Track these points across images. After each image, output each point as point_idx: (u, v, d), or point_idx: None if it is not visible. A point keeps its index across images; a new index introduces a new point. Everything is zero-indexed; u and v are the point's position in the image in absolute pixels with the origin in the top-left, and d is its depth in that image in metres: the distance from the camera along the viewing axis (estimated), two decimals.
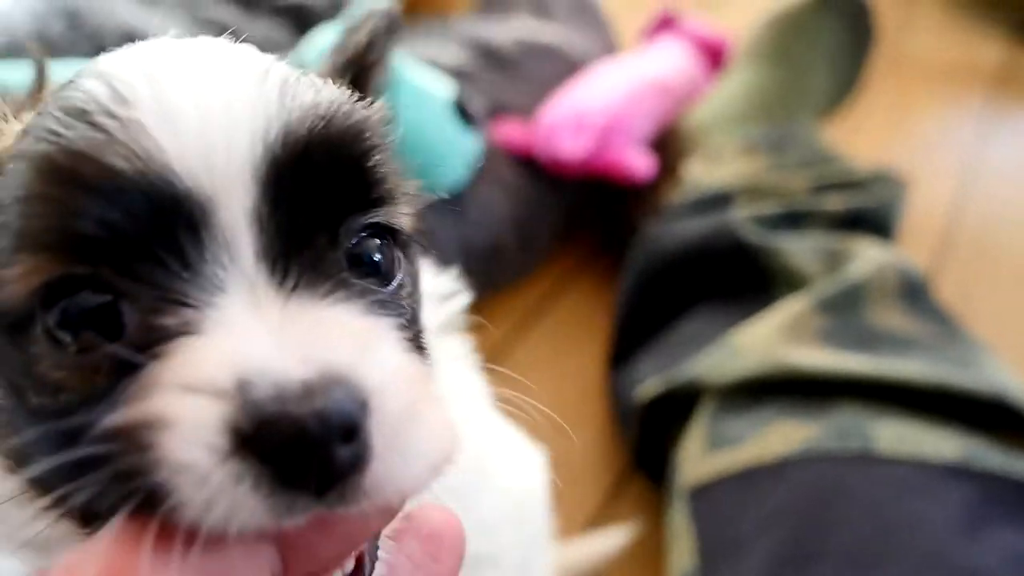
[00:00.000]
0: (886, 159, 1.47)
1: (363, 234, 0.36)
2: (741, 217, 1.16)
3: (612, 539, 0.99)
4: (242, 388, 0.27)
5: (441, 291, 0.53)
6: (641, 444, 1.09)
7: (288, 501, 0.28)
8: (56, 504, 0.32)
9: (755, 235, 1.13)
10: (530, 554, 0.62)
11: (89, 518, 0.32)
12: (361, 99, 0.38)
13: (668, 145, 1.47)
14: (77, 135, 0.31)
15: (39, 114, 0.34)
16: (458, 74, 1.43)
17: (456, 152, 1.28)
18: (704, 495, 0.91)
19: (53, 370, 0.32)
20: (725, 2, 2.18)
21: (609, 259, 1.51)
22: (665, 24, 1.71)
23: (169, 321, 0.30)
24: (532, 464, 0.63)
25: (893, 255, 1.09)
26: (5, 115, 0.38)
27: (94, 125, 0.31)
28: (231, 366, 0.28)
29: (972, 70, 2.14)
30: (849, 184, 1.23)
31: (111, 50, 0.37)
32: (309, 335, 0.29)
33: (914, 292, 1.05)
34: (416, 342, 0.38)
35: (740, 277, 1.12)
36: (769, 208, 1.19)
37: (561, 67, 1.58)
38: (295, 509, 0.28)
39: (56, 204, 0.30)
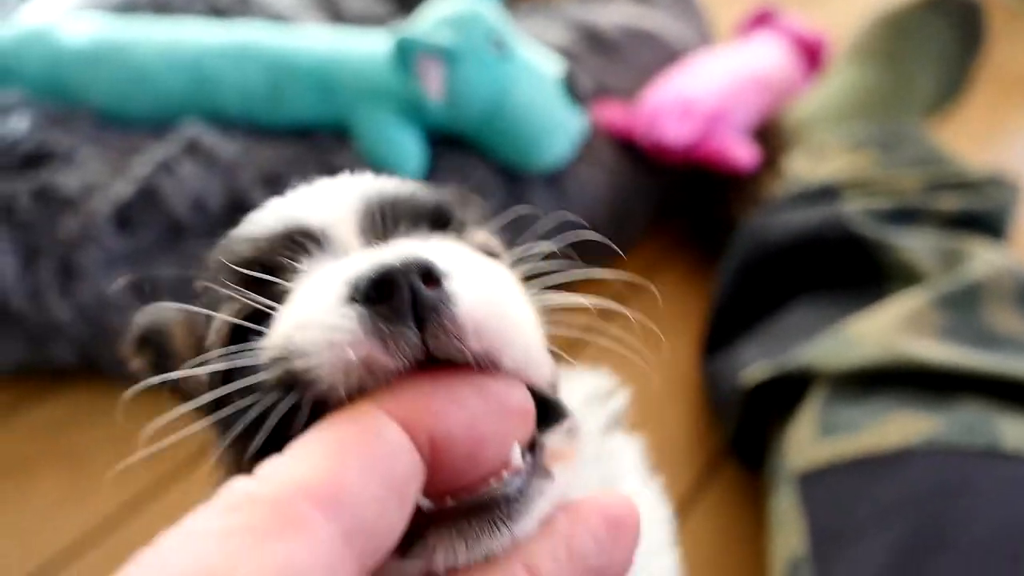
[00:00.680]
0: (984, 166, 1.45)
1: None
2: (853, 209, 1.15)
3: None
4: (346, 277, 0.35)
5: (598, 390, 0.58)
6: (740, 429, 1.08)
7: (395, 332, 0.32)
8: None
9: (868, 228, 1.11)
10: None
11: None
12: None
13: (768, 140, 1.46)
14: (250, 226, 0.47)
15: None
16: (562, 54, 1.43)
17: (562, 129, 1.28)
18: (815, 481, 0.90)
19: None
20: (825, 0, 2.16)
21: (699, 249, 1.50)
22: (762, 19, 1.70)
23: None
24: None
25: (1009, 259, 1.07)
26: None
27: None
28: (339, 277, 0.35)
29: None
30: (962, 185, 1.20)
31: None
32: (394, 248, 0.37)
33: None
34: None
35: (851, 270, 1.11)
36: (880, 203, 1.17)
37: (660, 54, 1.58)
38: (403, 339, 0.33)
39: (233, 259, 0.43)
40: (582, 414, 0.53)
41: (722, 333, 1.21)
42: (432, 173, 1.25)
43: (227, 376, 0.39)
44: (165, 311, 0.52)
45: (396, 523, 0.29)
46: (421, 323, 0.33)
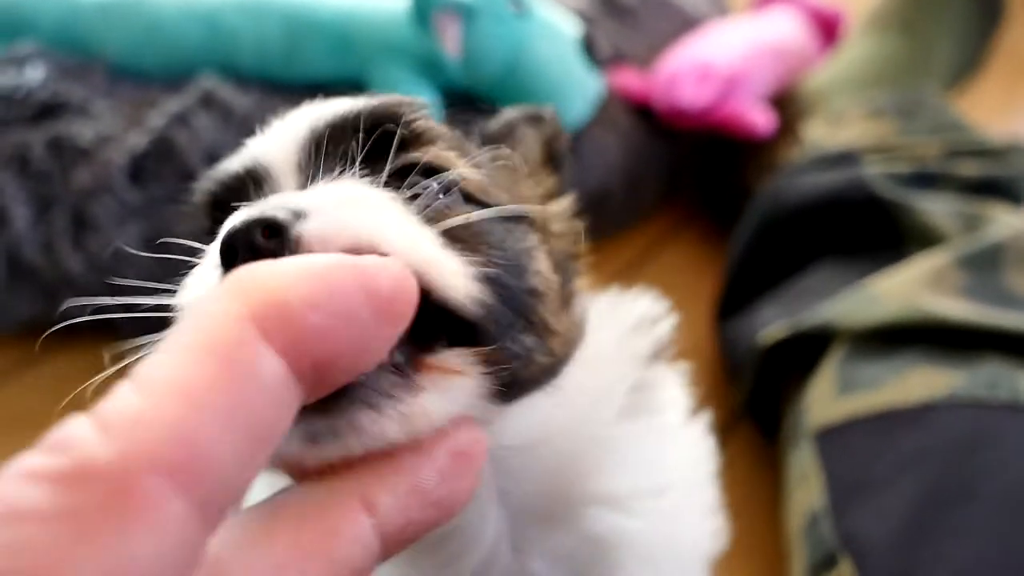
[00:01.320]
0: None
1: (410, 172, 0.42)
2: (874, 172, 1.14)
3: None
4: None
5: (645, 316, 0.55)
6: (754, 391, 1.08)
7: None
8: None
9: (889, 191, 1.11)
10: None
11: None
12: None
13: (784, 108, 1.45)
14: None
15: None
16: (579, 18, 1.42)
17: (580, 90, 1.27)
18: (834, 436, 0.90)
19: None
20: None
21: (714, 217, 1.50)
22: None
23: None
24: (713, 507, 0.61)
25: None
26: None
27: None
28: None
29: None
30: (982, 152, 1.20)
31: None
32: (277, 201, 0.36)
33: None
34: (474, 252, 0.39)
35: (871, 232, 1.10)
36: (900, 168, 1.16)
37: (677, 22, 1.57)
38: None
39: (200, 204, 0.47)
40: (625, 340, 0.52)
41: (738, 297, 1.20)
42: None
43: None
44: None
45: (254, 474, 0.25)
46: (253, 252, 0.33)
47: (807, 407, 0.95)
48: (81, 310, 1.24)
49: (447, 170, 0.42)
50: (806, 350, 1.00)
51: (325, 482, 0.31)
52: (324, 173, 0.40)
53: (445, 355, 0.37)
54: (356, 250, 0.32)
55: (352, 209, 0.35)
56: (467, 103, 1.27)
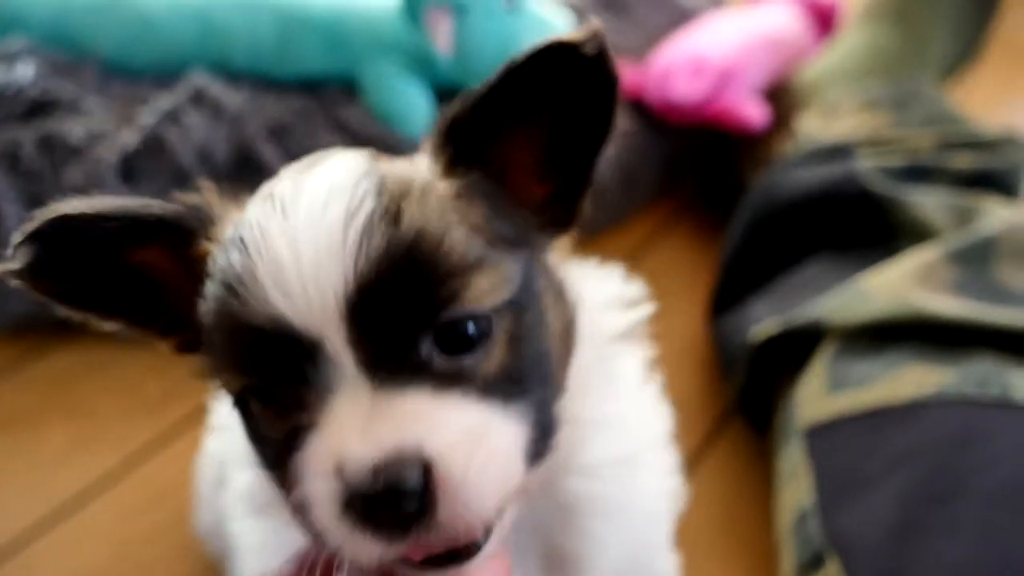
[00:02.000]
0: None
1: (453, 321, 0.44)
2: (866, 166, 1.14)
3: None
4: (339, 472, 0.41)
5: (622, 296, 0.59)
6: (746, 388, 1.08)
7: (387, 539, 0.41)
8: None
9: (881, 185, 1.10)
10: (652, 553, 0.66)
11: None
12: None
13: (779, 100, 1.45)
14: (231, 303, 0.44)
15: (215, 259, 0.47)
16: (571, 11, 1.41)
17: None
18: (824, 434, 0.89)
19: (266, 425, 0.47)
20: None
21: (709, 211, 1.49)
22: None
23: (303, 418, 0.44)
24: (671, 469, 0.66)
25: (1023, 216, 1.06)
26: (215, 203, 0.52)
27: (238, 296, 0.44)
28: (332, 456, 0.41)
29: None
30: (976, 144, 1.19)
31: None
32: (385, 422, 0.41)
33: None
34: (504, 388, 0.46)
35: (863, 227, 1.10)
36: (893, 161, 1.16)
37: (672, 15, 1.57)
38: (395, 542, 0.41)
39: (229, 346, 0.45)
40: (597, 314, 0.56)
41: (731, 292, 1.20)
42: None
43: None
44: None
45: None
46: (404, 529, 0.41)
47: (798, 404, 0.95)
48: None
49: (484, 310, 0.45)
50: (798, 346, 1.00)
51: None
52: (380, 345, 0.43)
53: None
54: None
55: (465, 461, 0.42)
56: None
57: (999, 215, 1.04)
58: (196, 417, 1.12)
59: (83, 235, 0.47)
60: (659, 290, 1.43)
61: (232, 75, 1.21)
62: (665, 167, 1.48)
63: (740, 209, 1.23)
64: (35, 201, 1.09)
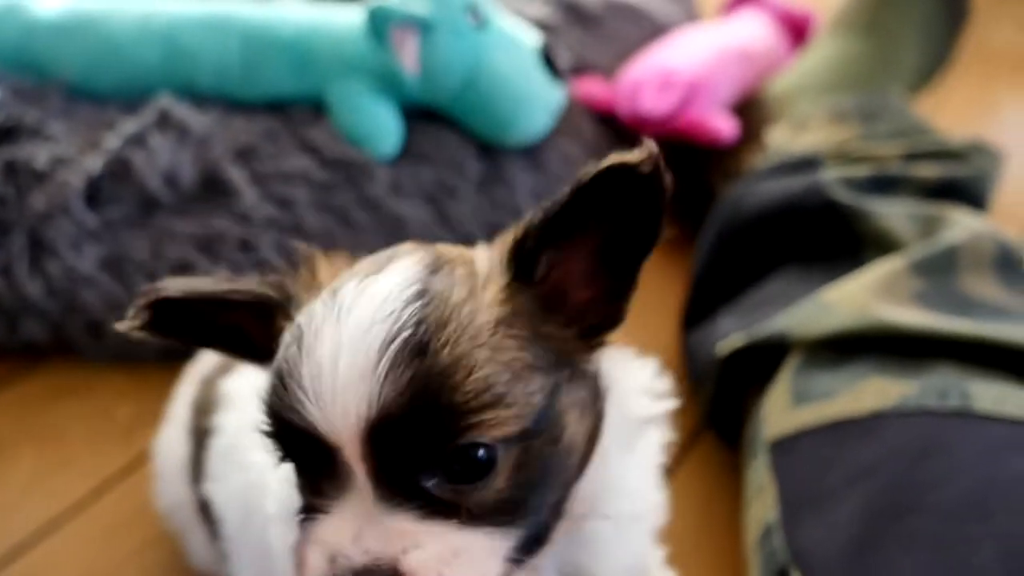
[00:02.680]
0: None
1: (464, 448, 0.49)
2: (831, 178, 1.14)
3: None
4: (332, 561, 0.49)
5: (655, 389, 0.66)
6: (715, 402, 1.07)
7: None
8: None
9: (845, 196, 1.10)
10: None
11: None
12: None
13: (750, 112, 1.45)
14: (277, 390, 0.52)
15: (283, 340, 0.54)
16: (543, 28, 1.42)
17: (541, 101, 1.26)
18: (786, 447, 0.89)
19: (299, 484, 0.54)
20: None
21: (682, 225, 1.49)
22: None
23: (318, 501, 0.51)
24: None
25: (989, 225, 1.06)
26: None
27: (284, 387, 0.51)
28: (332, 544, 0.49)
29: None
30: (943, 153, 1.19)
31: None
32: (375, 534, 0.49)
33: (1009, 265, 1.01)
34: (496, 517, 0.52)
35: (829, 239, 1.10)
36: (860, 172, 1.16)
37: (645, 29, 1.57)
38: None
39: (271, 423, 0.52)
40: (628, 397, 0.62)
41: (702, 306, 1.20)
42: (407, 148, 1.24)
43: None
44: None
45: None
46: None
47: (763, 418, 0.95)
48: (42, 332, 1.23)
49: (495, 440, 0.50)
50: (766, 359, 1.00)
51: None
52: (389, 466, 0.49)
53: None
54: None
55: None
56: (427, 118, 1.26)
57: (964, 223, 1.04)
58: None
59: (183, 306, 0.58)
60: (633, 304, 1.43)
61: (198, 98, 1.21)
62: None
63: (708, 223, 1.23)
64: (1, 227, 1.09)
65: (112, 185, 1.12)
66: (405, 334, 0.49)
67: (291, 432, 0.51)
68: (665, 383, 0.66)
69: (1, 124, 1.13)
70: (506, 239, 0.55)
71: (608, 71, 1.47)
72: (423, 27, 1.16)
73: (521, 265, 0.53)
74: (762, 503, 0.89)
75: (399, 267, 0.53)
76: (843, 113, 1.31)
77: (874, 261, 1.03)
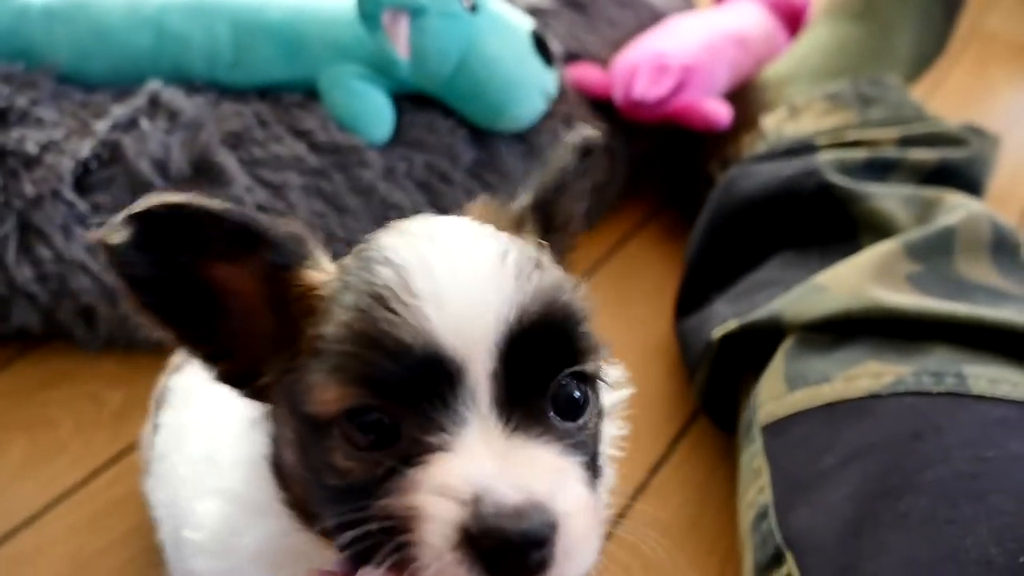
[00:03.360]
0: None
1: (567, 380, 0.47)
2: (827, 161, 1.13)
3: None
4: (475, 501, 0.40)
5: (608, 378, 0.61)
6: (710, 387, 1.07)
7: None
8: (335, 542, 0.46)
9: (841, 179, 1.09)
10: None
11: (356, 556, 0.44)
12: (572, 279, 0.50)
13: (746, 99, 1.44)
14: (378, 315, 0.44)
15: (346, 279, 0.47)
16: (537, 13, 1.41)
17: (534, 85, 1.25)
18: (780, 431, 0.89)
19: (345, 460, 0.45)
20: None
21: (675, 213, 1.49)
22: None
23: (430, 439, 0.43)
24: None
25: (986, 209, 1.05)
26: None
27: (390, 309, 0.44)
28: (468, 483, 0.41)
29: None
30: (939, 138, 1.18)
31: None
32: (522, 468, 0.41)
33: (1005, 247, 1.01)
34: (593, 467, 0.49)
35: (824, 222, 1.09)
36: (857, 156, 1.15)
37: (640, 15, 1.56)
38: None
39: (364, 359, 0.43)
40: None
41: (696, 292, 1.19)
42: (399, 133, 1.23)
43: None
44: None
45: None
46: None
47: (759, 402, 0.94)
48: (34, 319, 1.22)
49: (591, 375, 0.49)
50: (761, 344, 0.99)
51: None
52: (515, 388, 0.44)
53: None
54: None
55: (583, 528, 0.43)
56: (419, 103, 1.25)
57: (960, 208, 1.03)
58: None
59: (187, 229, 0.48)
60: (628, 292, 1.43)
61: (189, 83, 1.20)
62: (634, 167, 1.47)
63: (704, 208, 1.22)
64: None
65: (103, 170, 1.11)
66: (514, 249, 0.47)
67: (395, 356, 0.43)
68: (617, 371, 0.62)
69: None
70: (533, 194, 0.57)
71: (603, 57, 1.46)
72: (415, 11, 1.15)
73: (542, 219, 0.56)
74: (757, 487, 0.88)
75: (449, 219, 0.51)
76: (839, 98, 1.30)
77: (870, 245, 1.02)
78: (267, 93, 1.22)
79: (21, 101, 1.13)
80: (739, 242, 1.15)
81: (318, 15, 1.21)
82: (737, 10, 1.57)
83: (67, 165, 1.09)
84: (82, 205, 1.09)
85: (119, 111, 1.14)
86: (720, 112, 1.33)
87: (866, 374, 0.86)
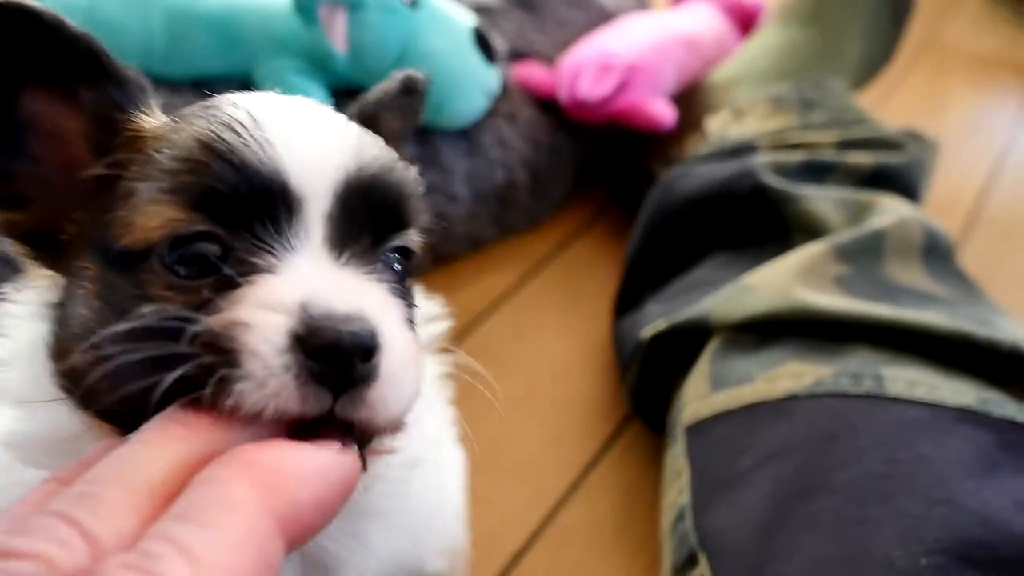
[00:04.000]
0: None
1: (393, 251, 0.48)
2: (763, 163, 1.13)
3: None
4: (303, 307, 0.39)
5: (426, 313, 0.62)
6: (641, 389, 1.06)
7: (314, 393, 0.39)
8: (121, 400, 0.41)
9: (776, 181, 1.09)
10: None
11: (134, 422, 0.40)
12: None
13: (691, 100, 1.44)
14: (229, 136, 0.43)
15: (190, 123, 0.45)
16: (486, 12, 1.40)
17: (476, 82, 1.24)
18: (702, 430, 0.88)
19: (163, 290, 0.42)
20: None
21: (621, 214, 1.48)
22: None
23: (258, 261, 0.42)
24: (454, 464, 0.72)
25: (920, 212, 1.05)
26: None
27: (239, 135, 0.43)
28: (297, 293, 0.40)
29: (1009, 63, 2.10)
30: (878, 142, 1.19)
31: None
32: (351, 288, 0.42)
33: (937, 252, 1.01)
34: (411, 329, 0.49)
35: (758, 224, 1.09)
36: (793, 158, 1.15)
37: (591, 16, 1.56)
38: (317, 402, 0.39)
39: (206, 168, 0.42)
40: None
41: (632, 293, 1.18)
42: None
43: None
44: None
45: None
46: (341, 389, 0.40)
47: (684, 403, 0.93)
48: None
49: (413, 251, 0.50)
50: (690, 344, 0.99)
51: None
52: (348, 234, 0.45)
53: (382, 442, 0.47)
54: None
55: (405, 352, 0.42)
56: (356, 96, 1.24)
57: (891, 211, 1.03)
58: None
59: (24, 42, 0.44)
60: (571, 292, 1.42)
61: None
62: (579, 167, 1.47)
63: (642, 208, 1.22)
64: None
65: None
66: (356, 124, 0.49)
67: (236, 183, 0.42)
68: (434, 305, 0.62)
69: None
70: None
71: (551, 57, 1.45)
72: (352, 5, 1.14)
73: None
74: (677, 487, 0.87)
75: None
76: (782, 101, 1.30)
77: (801, 246, 1.02)
78: (202, 85, 1.19)
79: None
80: (676, 242, 1.15)
81: (255, 7, 1.19)
82: (690, 12, 1.57)
83: None
84: None
85: None
86: (664, 113, 1.32)
87: (787, 375, 0.85)
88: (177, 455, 0.36)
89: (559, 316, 1.32)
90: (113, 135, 0.47)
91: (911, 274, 0.97)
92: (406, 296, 0.49)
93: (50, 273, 0.48)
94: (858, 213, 1.05)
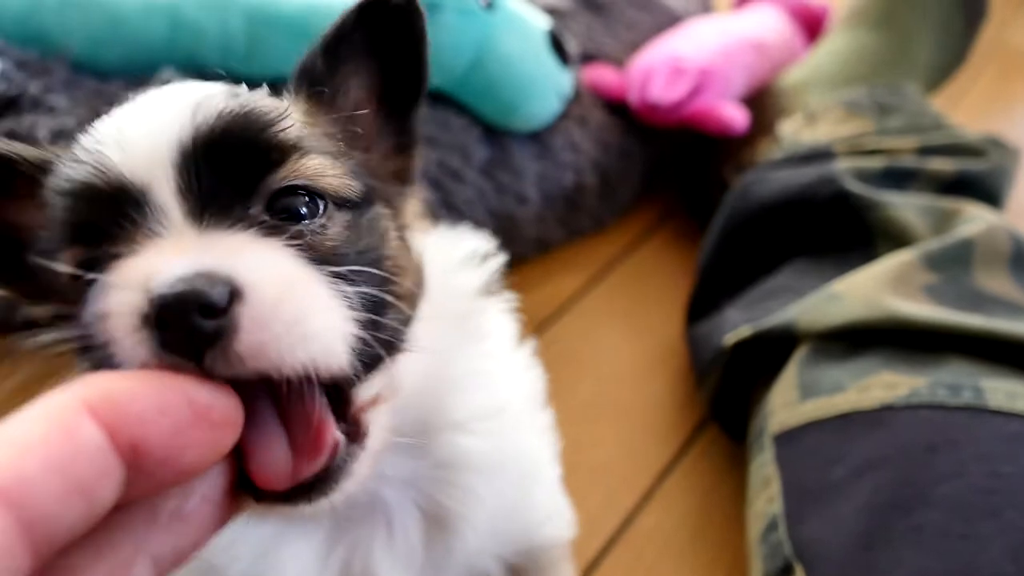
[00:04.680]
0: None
1: (282, 192, 0.47)
2: (844, 168, 1.11)
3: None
4: (146, 283, 0.39)
5: (476, 252, 0.62)
6: (720, 394, 1.05)
7: (175, 361, 0.38)
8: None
9: (858, 186, 1.08)
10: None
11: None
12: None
13: (762, 105, 1.43)
14: (70, 168, 0.46)
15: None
16: (555, 13, 1.40)
17: (550, 85, 1.24)
18: (792, 440, 0.87)
19: (70, 290, 0.45)
20: None
21: (690, 216, 1.47)
22: None
23: (125, 251, 0.43)
24: (544, 429, 0.72)
25: (1005, 221, 1.03)
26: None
27: (78, 159, 0.46)
28: (143, 271, 0.40)
29: None
30: (958, 148, 1.17)
31: None
32: (201, 251, 0.41)
33: (1022, 260, 0.99)
34: (331, 265, 0.47)
35: (840, 230, 1.07)
36: (874, 164, 1.13)
37: (658, 18, 1.55)
38: (187, 360, 0.39)
39: (64, 218, 0.45)
40: (455, 273, 0.60)
41: (707, 298, 1.17)
42: None
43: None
44: None
45: (81, 513, 0.31)
46: (198, 351, 0.39)
47: (770, 411, 0.92)
48: None
49: (316, 185, 0.48)
50: (774, 352, 0.98)
51: None
52: (207, 199, 0.45)
53: (363, 397, 0.47)
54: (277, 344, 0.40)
55: (278, 293, 0.41)
56: (433, 100, 1.24)
57: (979, 219, 1.01)
58: None
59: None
60: (639, 295, 1.41)
61: (203, 74, 1.19)
62: (648, 170, 1.46)
63: (718, 213, 1.21)
64: None
65: None
66: (214, 92, 0.49)
67: (87, 199, 0.45)
68: (485, 243, 0.62)
69: (4, 94, 1.11)
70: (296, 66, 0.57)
71: (620, 59, 1.45)
72: (429, 6, 1.14)
73: (313, 86, 0.56)
74: (767, 497, 0.87)
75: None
76: (857, 106, 1.29)
77: (886, 254, 1.00)
78: (281, 84, 1.21)
79: (34, 88, 1.13)
80: (753, 248, 1.14)
81: (332, 9, 1.19)
82: (756, 15, 1.56)
83: None
84: None
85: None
86: (736, 117, 1.31)
87: (880, 385, 0.84)
88: None
89: (627, 319, 1.32)
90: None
91: (999, 283, 0.95)
92: (316, 237, 0.48)
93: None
94: (943, 221, 1.04)
